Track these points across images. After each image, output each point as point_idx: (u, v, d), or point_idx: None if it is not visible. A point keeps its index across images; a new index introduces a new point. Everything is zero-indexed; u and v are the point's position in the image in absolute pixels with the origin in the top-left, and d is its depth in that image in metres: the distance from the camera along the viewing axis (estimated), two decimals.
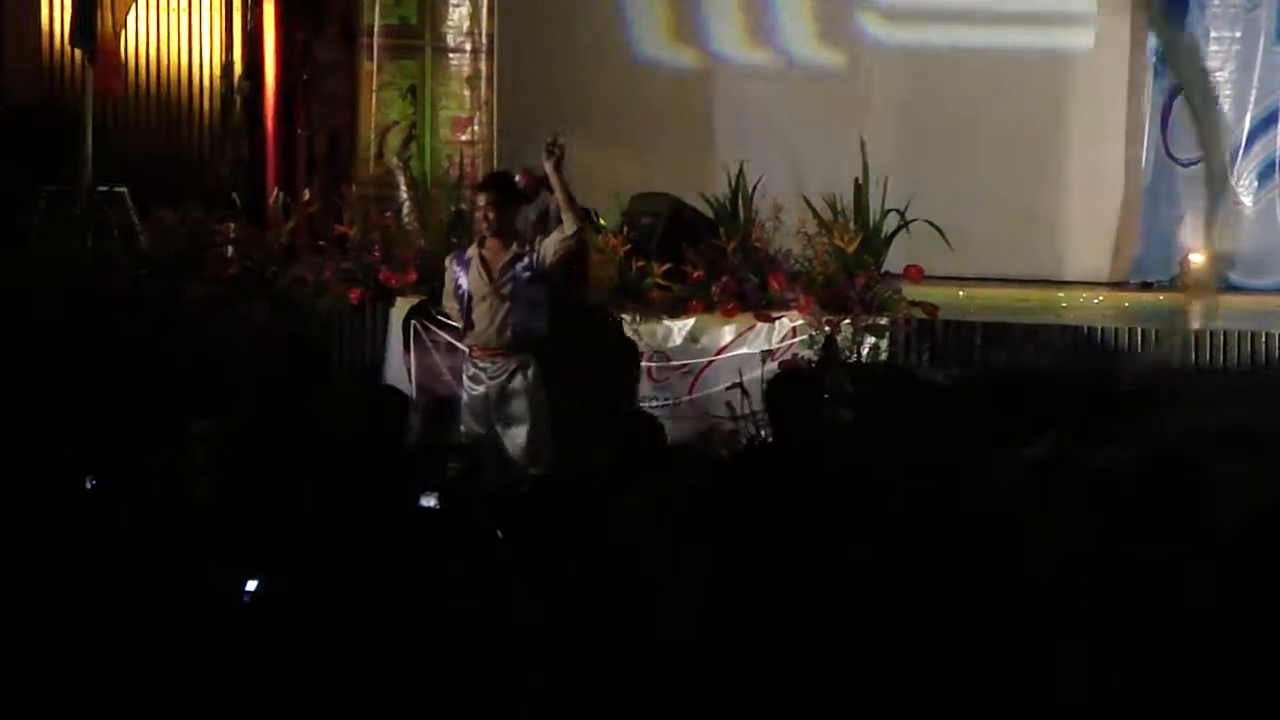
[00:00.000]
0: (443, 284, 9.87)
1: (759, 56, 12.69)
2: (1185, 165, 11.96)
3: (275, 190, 11.06)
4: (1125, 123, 12.33)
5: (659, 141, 12.38)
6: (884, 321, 9.87)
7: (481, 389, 9.07)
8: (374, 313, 10.51)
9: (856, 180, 10.34)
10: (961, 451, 7.13)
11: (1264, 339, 9.77)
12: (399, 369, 10.19)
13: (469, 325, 9.08)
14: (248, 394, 8.85)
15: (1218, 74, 11.92)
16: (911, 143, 12.41)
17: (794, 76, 12.66)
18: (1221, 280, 11.85)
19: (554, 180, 8.90)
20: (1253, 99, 11.73)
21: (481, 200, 9.16)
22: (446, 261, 9.31)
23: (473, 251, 9.12)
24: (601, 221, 10.30)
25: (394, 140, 11.48)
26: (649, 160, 11.87)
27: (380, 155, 11.53)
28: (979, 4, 12.54)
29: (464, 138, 11.64)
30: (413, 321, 10.29)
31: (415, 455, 7.79)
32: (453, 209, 10.94)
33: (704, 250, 10.15)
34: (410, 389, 9.55)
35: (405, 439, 7.94)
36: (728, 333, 9.94)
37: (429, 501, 6.65)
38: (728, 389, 9.44)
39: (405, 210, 11.13)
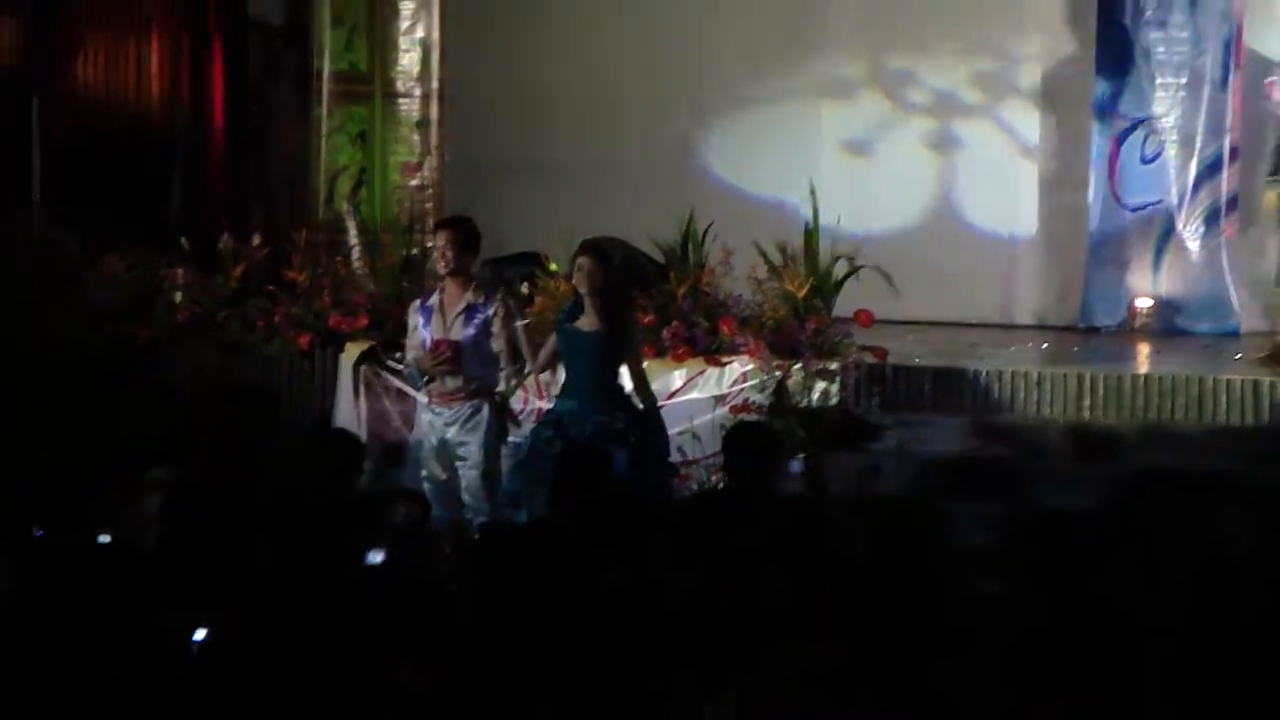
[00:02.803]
0: (394, 329, 9.87)
1: (711, 101, 12.72)
2: (1132, 210, 12.03)
3: (225, 235, 11.02)
4: (1073, 168, 12.40)
5: (610, 186, 12.40)
6: (834, 366, 9.88)
7: (437, 435, 9.05)
8: (324, 358, 10.48)
9: (806, 225, 10.36)
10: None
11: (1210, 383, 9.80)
12: (349, 414, 10.16)
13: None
14: (196, 440, 8.81)
15: (1164, 120, 12.01)
16: (862, 188, 12.46)
17: (745, 121, 12.70)
18: (1169, 324, 11.95)
19: (501, 329, 8.93)
20: (1199, 144, 11.79)
21: (440, 240, 9.15)
22: (410, 307, 9.30)
23: (435, 298, 9.12)
24: (552, 266, 10.30)
25: (344, 185, 11.46)
26: (599, 204, 11.87)
27: (330, 200, 11.52)
28: (928, 53, 12.59)
29: (414, 182, 11.63)
30: (363, 367, 10.27)
31: (366, 501, 7.76)
32: (404, 253, 10.94)
33: (655, 295, 10.14)
34: (361, 434, 9.51)
35: (356, 485, 7.92)
36: (678, 377, 9.93)
37: (380, 549, 6.63)
38: (679, 434, 9.43)
39: (355, 255, 11.11)
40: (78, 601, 5.71)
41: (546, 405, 9.50)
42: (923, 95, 12.54)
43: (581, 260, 8.93)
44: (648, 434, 8.88)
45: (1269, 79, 10.69)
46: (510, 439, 9.17)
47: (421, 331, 9.10)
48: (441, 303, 9.08)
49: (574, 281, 9.01)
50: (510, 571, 5.87)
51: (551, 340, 9.07)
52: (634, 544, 6.46)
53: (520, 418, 9.42)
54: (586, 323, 8.88)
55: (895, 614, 5.74)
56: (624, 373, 8.97)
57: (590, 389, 8.88)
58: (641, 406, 8.93)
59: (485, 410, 9.00)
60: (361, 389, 10.25)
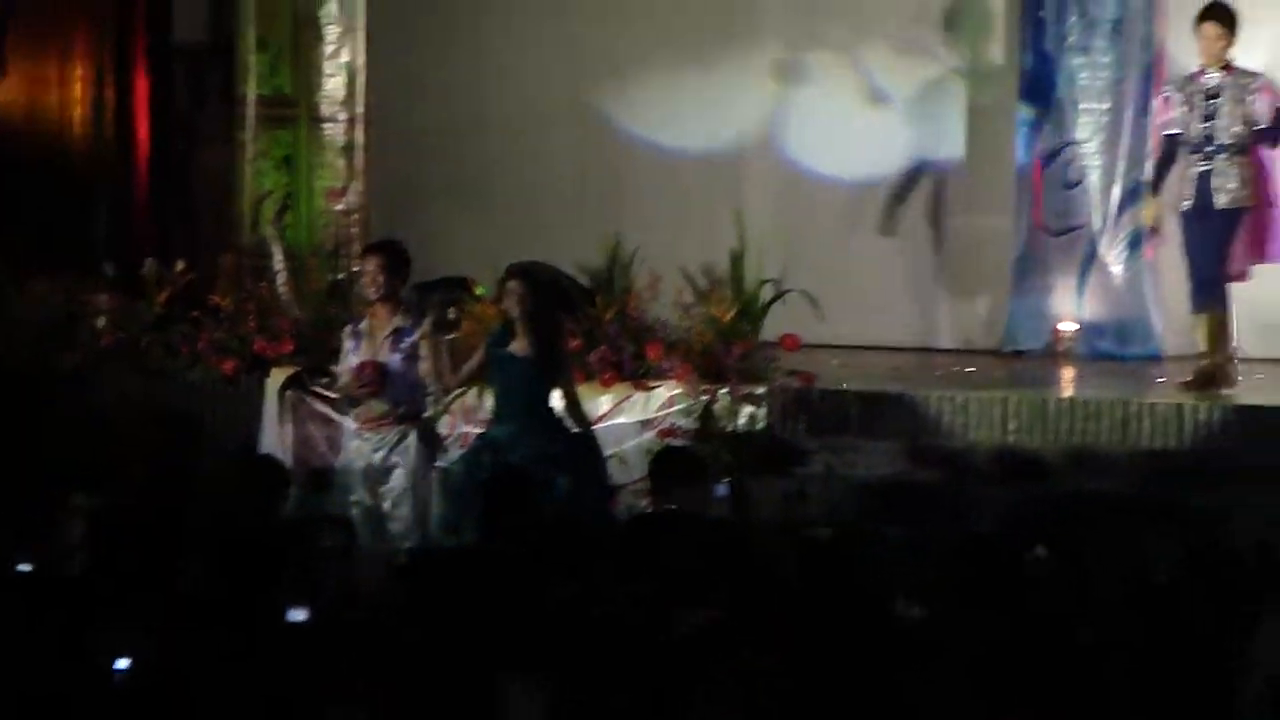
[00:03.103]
0: (320, 354, 9.84)
1: (638, 127, 12.73)
2: (1056, 235, 12.10)
3: (149, 260, 10.96)
4: (997, 193, 12.46)
5: (537, 210, 12.40)
6: (761, 391, 9.90)
7: (365, 459, 9.01)
8: (249, 384, 10.43)
9: (733, 250, 10.39)
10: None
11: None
12: (274, 440, 10.11)
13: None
14: (120, 466, 8.76)
15: (1086, 145, 12.09)
16: (788, 211, 12.50)
17: (672, 146, 12.72)
18: (1093, 348, 12.01)
19: (428, 353, 8.92)
20: (1121, 170, 11.87)
21: (369, 264, 9.13)
22: (343, 331, 9.28)
23: (364, 323, 9.10)
24: (479, 291, 10.28)
25: (269, 210, 11.41)
26: (526, 229, 11.87)
27: (255, 225, 11.47)
28: (853, 79, 12.64)
29: (339, 207, 11.59)
30: (288, 392, 10.22)
31: (291, 527, 7.73)
32: (329, 278, 10.91)
33: (581, 320, 10.14)
34: (287, 460, 9.47)
35: (281, 511, 7.89)
36: (605, 402, 9.93)
37: (305, 575, 6.61)
38: (606, 458, 9.42)
39: (280, 280, 11.07)
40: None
41: (474, 430, 9.49)
42: (847, 122, 12.58)
43: (511, 284, 8.96)
44: (584, 457, 8.93)
45: (1160, 94, 10.69)
46: (440, 464, 9.14)
47: (351, 356, 9.08)
48: (370, 327, 9.06)
49: (504, 306, 9.03)
50: (438, 597, 5.85)
51: (477, 357, 9.07)
52: (567, 569, 6.45)
53: (447, 443, 9.41)
54: (518, 347, 8.90)
55: (822, 638, 5.75)
56: (556, 396, 8.98)
57: (524, 413, 8.91)
58: (576, 429, 8.96)
59: (412, 435, 8.98)
60: (287, 414, 10.21)
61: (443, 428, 9.38)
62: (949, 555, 6.47)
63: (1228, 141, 10.11)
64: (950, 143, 12.58)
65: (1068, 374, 11.34)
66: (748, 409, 9.86)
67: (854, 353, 11.89)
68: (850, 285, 12.43)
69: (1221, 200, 10.10)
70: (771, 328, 10.36)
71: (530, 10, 12.71)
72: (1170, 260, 11.77)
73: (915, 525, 8.68)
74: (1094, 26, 12.05)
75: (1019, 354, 12.14)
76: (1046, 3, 12.19)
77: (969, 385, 10.68)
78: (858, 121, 12.57)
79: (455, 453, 9.31)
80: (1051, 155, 12.14)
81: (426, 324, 9.01)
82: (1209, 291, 10.17)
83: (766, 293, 10.32)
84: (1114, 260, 12.15)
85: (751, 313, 10.21)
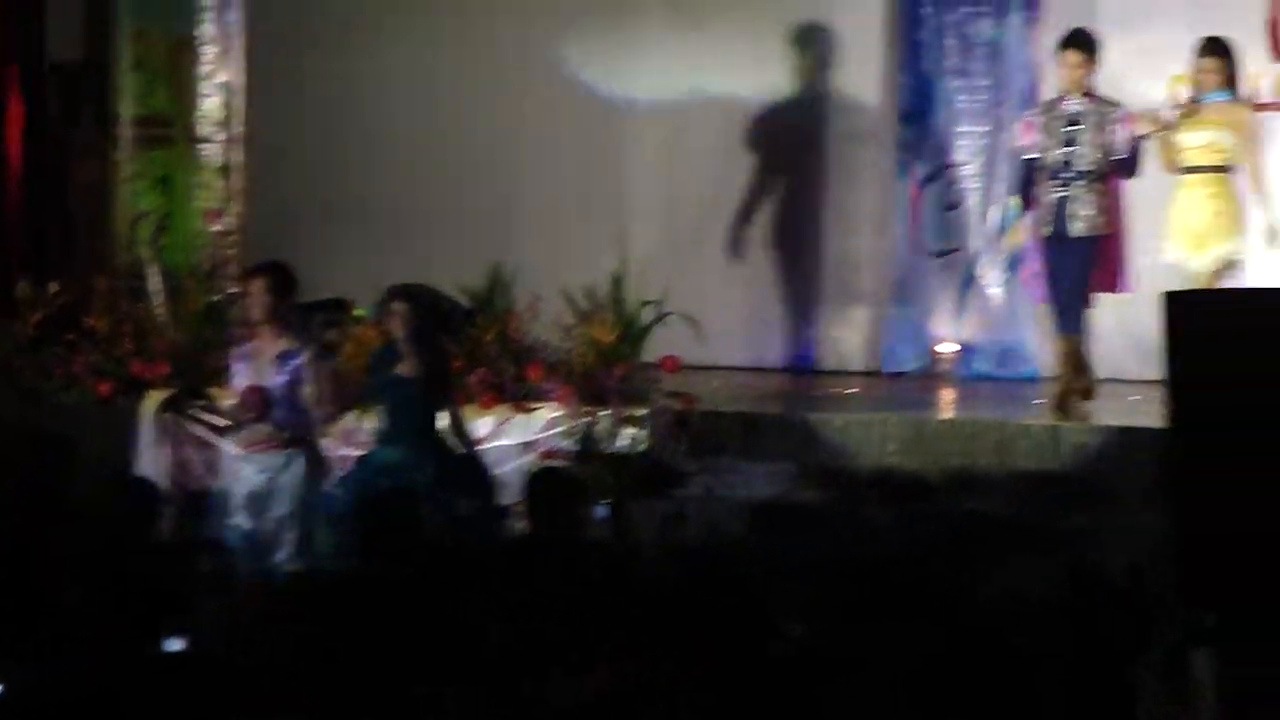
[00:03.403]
0: (197, 376, 9.76)
1: (520, 150, 12.71)
2: (935, 256, 12.18)
3: (21, 281, 10.83)
4: (876, 214, 12.53)
5: (415, 231, 12.35)
6: (642, 412, 9.91)
7: (249, 483, 8.94)
8: (125, 406, 10.32)
9: (614, 272, 10.39)
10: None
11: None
12: (151, 463, 10.01)
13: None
14: None
15: (965, 167, 12.18)
16: (669, 233, 12.53)
17: (556, 168, 12.71)
18: (973, 369, 12.10)
19: (313, 376, 8.87)
20: (999, 192, 11.94)
21: (254, 286, 9.05)
22: (232, 354, 9.21)
23: (250, 346, 9.03)
24: (357, 312, 10.24)
25: (145, 231, 11.31)
26: (405, 250, 11.83)
27: (132, 246, 11.36)
28: (733, 99, 12.67)
29: (217, 228, 11.52)
30: (165, 415, 10.13)
31: (168, 551, 7.66)
32: (206, 300, 10.82)
33: (462, 341, 10.11)
34: (164, 483, 9.38)
35: (156, 534, 7.81)
36: (485, 424, 9.90)
37: (182, 599, 6.55)
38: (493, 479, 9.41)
39: (157, 301, 10.96)
40: None
41: (355, 452, 9.45)
42: (727, 142, 12.63)
43: (397, 306, 8.97)
44: (474, 478, 8.93)
45: (1022, 119, 10.71)
46: (324, 488, 9.09)
47: (238, 380, 9.03)
48: (255, 350, 9.00)
49: (390, 327, 9.03)
50: (322, 621, 5.82)
51: (354, 383, 9.05)
52: (448, 591, 6.43)
53: (331, 466, 9.35)
54: (405, 368, 8.91)
55: (700, 658, 5.74)
56: (442, 417, 8.99)
57: (412, 435, 8.93)
58: (463, 450, 8.97)
59: (298, 459, 8.92)
60: (164, 437, 10.12)
61: (327, 450, 9.33)
62: (829, 576, 6.49)
63: (1086, 169, 10.13)
64: (830, 165, 12.63)
65: (946, 395, 11.42)
66: (628, 431, 9.86)
67: (734, 374, 11.93)
68: (731, 307, 12.47)
69: (1078, 228, 10.12)
70: (652, 350, 10.37)
71: (413, 31, 12.67)
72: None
73: (795, 546, 8.71)
74: (972, 49, 12.16)
75: (898, 375, 12.21)
76: (924, 25, 12.29)
77: (848, 407, 10.74)
78: (737, 145, 12.61)
79: (339, 475, 9.26)
80: (930, 177, 12.23)
81: (311, 354, 8.96)
82: (1069, 316, 10.19)
83: (647, 315, 10.32)
84: (992, 282, 12.24)
85: (632, 335, 10.22)
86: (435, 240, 12.18)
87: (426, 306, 9.09)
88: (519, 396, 10.05)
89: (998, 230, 11.85)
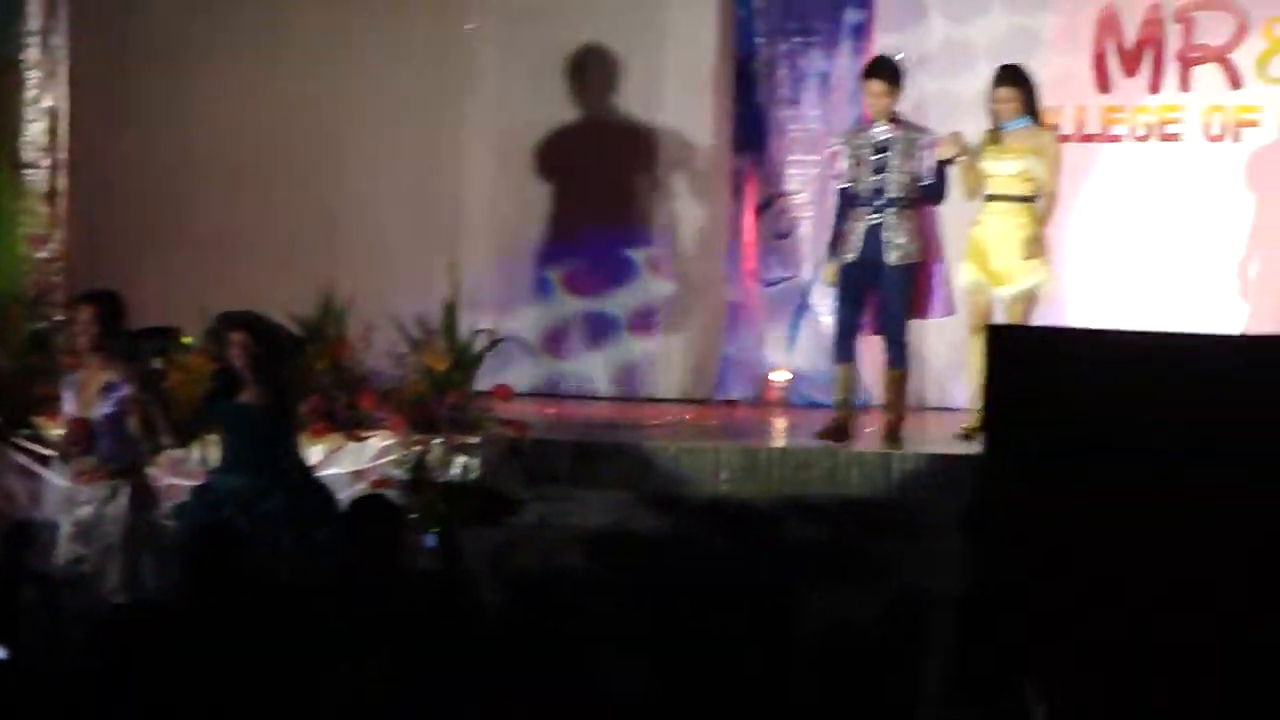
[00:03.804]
0: (20, 405, 9.61)
1: (352, 174, 12.65)
2: (767, 285, 12.24)
3: None
4: (710, 242, 12.59)
5: (245, 258, 12.25)
6: (474, 441, 9.87)
7: (75, 515, 8.80)
8: None
9: (446, 300, 10.36)
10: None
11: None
12: None
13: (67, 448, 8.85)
14: None
15: (797, 196, 12.26)
16: (503, 261, 12.53)
17: (388, 194, 12.66)
18: (805, 397, 12.17)
19: (139, 405, 8.76)
20: (829, 223, 12.01)
21: (82, 314, 8.92)
22: (62, 383, 9.08)
23: (78, 375, 8.90)
24: (186, 340, 10.13)
25: None
26: (234, 277, 11.72)
27: None
28: (573, 127, 12.70)
29: (43, 254, 11.37)
30: None
31: None
32: (31, 327, 10.65)
33: (293, 369, 10.02)
34: None
35: None
36: (316, 452, 9.83)
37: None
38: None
39: None
40: None
41: (187, 482, 9.36)
42: (565, 167, 12.65)
43: (236, 335, 8.92)
44: (315, 505, 8.87)
45: (829, 148, 10.73)
46: (155, 517, 8.99)
47: (66, 409, 8.90)
48: (82, 380, 8.87)
49: (230, 356, 8.96)
50: (150, 653, 5.75)
51: (185, 411, 8.96)
52: (279, 622, 6.38)
53: (160, 496, 9.24)
54: (247, 396, 8.85)
55: (532, 688, 5.73)
56: (284, 445, 8.95)
57: (256, 463, 8.85)
58: (301, 478, 8.93)
59: (125, 489, 8.80)
60: None
61: (156, 480, 9.22)
62: (659, 605, 6.50)
63: (897, 195, 10.12)
64: (664, 193, 12.67)
65: (779, 423, 11.47)
66: (461, 459, 9.82)
67: (569, 402, 11.93)
68: (565, 335, 12.48)
69: (893, 256, 10.11)
70: (489, 377, 10.35)
71: (241, 56, 12.57)
72: None
73: (628, 574, 8.71)
74: (803, 81, 12.25)
75: (732, 403, 12.27)
76: (757, 55, 12.37)
77: (682, 434, 10.76)
78: (571, 171, 12.63)
79: (166, 506, 9.16)
80: (763, 206, 12.30)
81: (138, 383, 8.85)
82: (895, 347, 10.20)
83: (480, 342, 10.30)
84: (825, 310, 12.32)
85: (465, 362, 10.18)
86: (264, 267, 12.09)
87: (264, 335, 9.04)
88: (351, 425, 9.99)
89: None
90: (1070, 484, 5.03)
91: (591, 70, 12.59)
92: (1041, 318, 10.66)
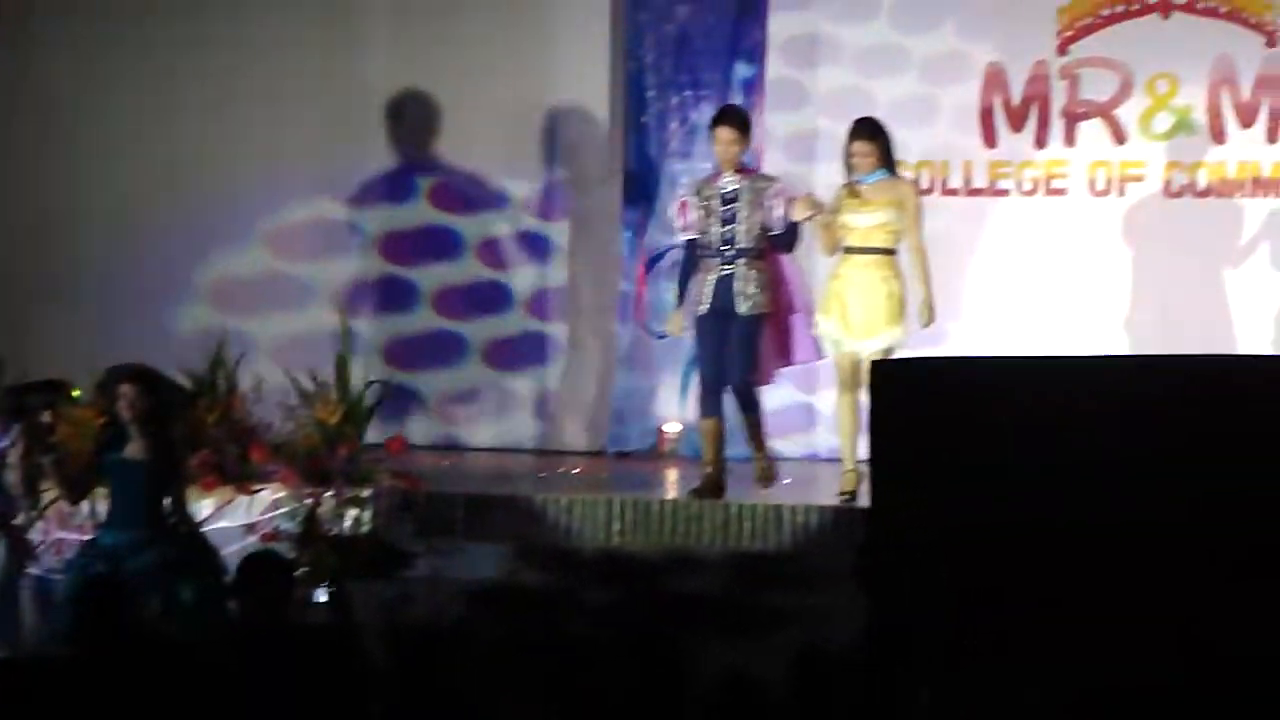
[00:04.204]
0: None
1: (238, 226, 12.61)
2: (659, 337, 12.27)
3: None
4: (603, 294, 12.61)
5: (135, 312, 12.19)
6: (366, 493, 9.84)
7: None
8: None
9: (338, 352, 10.33)
10: None
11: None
12: None
13: None
14: None
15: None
16: (399, 312, 12.51)
17: (274, 245, 12.62)
18: (697, 449, 12.19)
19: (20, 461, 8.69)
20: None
21: None
22: None
23: None
24: (75, 393, 10.04)
25: None
26: (124, 330, 11.65)
27: None
28: (458, 178, 12.71)
29: None
30: None
31: None
32: None
33: (183, 422, 9.97)
34: None
35: None
36: (207, 506, 9.77)
37: None
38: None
39: None
40: None
41: (71, 536, 9.28)
42: (449, 219, 12.67)
43: (125, 388, 8.89)
44: (200, 561, 8.82)
45: (677, 198, 10.45)
46: (35, 571, 8.89)
47: None
48: None
49: (119, 409, 8.93)
50: (29, 709, 5.69)
51: (72, 465, 8.90)
52: (164, 678, 6.33)
53: (39, 550, 9.16)
54: (134, 451, 8.81)
55: None
56: (168, 501, 8.90)
57: (141, 518, 8.83)
58: (186, 532, 8.88)
59: (1, 543, 8.72)
60: None
61: (35, 534, 9.13)
62: (554, 657, 6.49)
63: (746, 245, 10.00)
64: (557, 246, 12.70)
65: (672, 475, 11.48)
66: (352, 512, 9.78)
67: (462, 454, 11.91)
68: (458, 387, 12.48)
69: (744, 306, 10.00)
70: (384, 429, 10.31)
71: (126, 107, 12.53)
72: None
73: (520, 627, 8.70)
74: (694, 133, 12.31)
75: (624, 455, 12.28)
76: (649, 109, 12.43)
77: (574, 487, 10.75)
78: (465, 223, 12.64)
79: (50, 560, 9.08)
80: (655, 258, 12.33)
81: (20, 439, 8.79)
82: (716, 398, 10.11)
83: (372, 394, 10.27)
84: None
85: (357, 415, 10.15)
86: (154, 318, 12.03)
87: (153, 388, 9.02)
88: (242, 478, 9.92)
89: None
90: (964, 520, 5.00)
91: (482, 119, 12.60)
92: None
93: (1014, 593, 4.91)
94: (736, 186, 10.07)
